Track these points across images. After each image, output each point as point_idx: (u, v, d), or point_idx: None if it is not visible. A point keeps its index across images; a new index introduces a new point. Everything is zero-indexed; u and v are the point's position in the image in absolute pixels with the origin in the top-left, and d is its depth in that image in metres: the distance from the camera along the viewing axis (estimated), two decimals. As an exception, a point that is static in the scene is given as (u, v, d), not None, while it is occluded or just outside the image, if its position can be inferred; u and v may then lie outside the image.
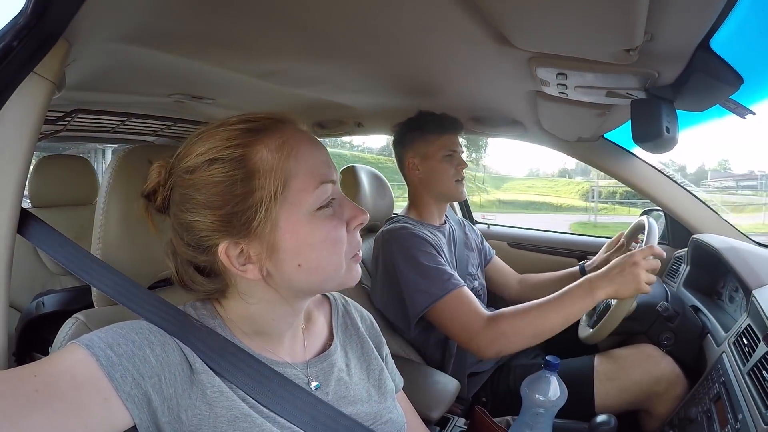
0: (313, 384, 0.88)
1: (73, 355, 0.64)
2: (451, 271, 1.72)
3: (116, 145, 4.45)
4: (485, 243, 2.32)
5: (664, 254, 1.55)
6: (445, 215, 2.10)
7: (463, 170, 1.97)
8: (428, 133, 1.95)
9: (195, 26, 1.21)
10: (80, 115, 2.44)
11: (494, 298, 2.38)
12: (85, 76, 1.59)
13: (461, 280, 1.70)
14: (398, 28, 1.17)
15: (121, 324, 0.72)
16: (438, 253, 1.77)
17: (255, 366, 0.80)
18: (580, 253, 2.66)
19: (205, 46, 1.37)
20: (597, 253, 2.08)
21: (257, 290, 0.81)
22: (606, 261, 1.88)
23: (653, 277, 1.47)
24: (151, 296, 0.81)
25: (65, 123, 2.61)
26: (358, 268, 0.85)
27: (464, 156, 1.99)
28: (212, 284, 0.82)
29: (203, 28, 1.23)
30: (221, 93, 2.06)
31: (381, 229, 1.93)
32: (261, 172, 0.75)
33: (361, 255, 0.85)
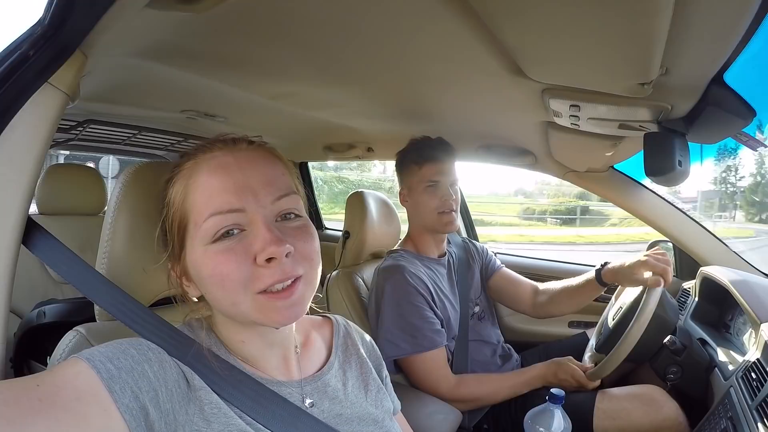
0: (308, 401, 0.88)
1: (75, 368, 0.65)
2: (436, 327, 1.76)
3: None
4: (490, 256, 2.27)
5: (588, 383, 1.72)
6: (448, 241, 2.09)
7: (452, 200, 1.89)
8: (410, 164, 1.93)
9: (210, 46, 1.23)
10: (92, 126, 2.47)
11: (501, 325, 2.37)
12: (99, 88, 1.61)
13: (440, 340, 1.75)
14: (413, 56, 1.19)
15: (120, 340, 0.73)
16: (430, 302, 1.78)
17: (250, 385, 0.80)
18: None
19: (219, 66, 1.39)
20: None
21: (214, 310, 0.86)
22: (630, 273, 1.66)
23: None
24: (152, 316, 0.83)
25: (77, 132, 2.64)
26: (281, 309, 0.77)
27: (457, 185, 1.94)
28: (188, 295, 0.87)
29: (218, 48, 1.24)
30: (234, 112, 2.07)
31: (380, 264, 1.93)
32: (171, 204, 0.81)
33: (286, 294, 0.77)
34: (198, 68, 1.41)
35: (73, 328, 0.92)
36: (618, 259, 1.77)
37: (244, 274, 0.75)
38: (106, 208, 1.03)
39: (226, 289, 0.76)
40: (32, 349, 1.72)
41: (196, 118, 2.16)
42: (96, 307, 0.96)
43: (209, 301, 0.82)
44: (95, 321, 0.97)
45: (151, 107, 2.07)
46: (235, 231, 0.76)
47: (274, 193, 0.80)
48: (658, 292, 1.54)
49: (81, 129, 2.54)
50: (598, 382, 1.71)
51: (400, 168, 1.99)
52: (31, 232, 0.85)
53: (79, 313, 1.63)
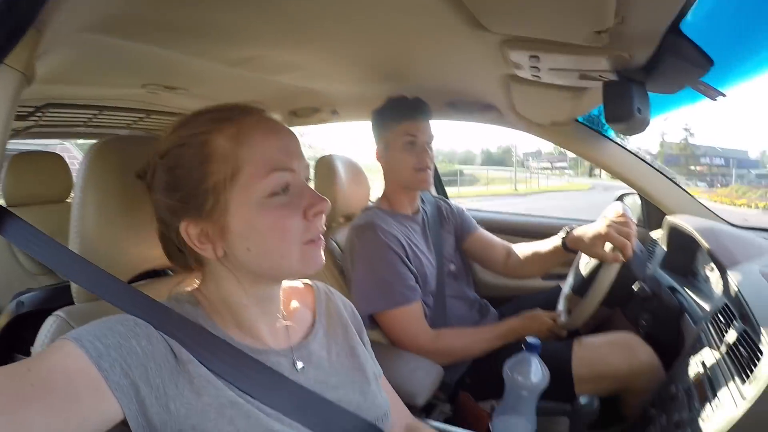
0: (300, 365, 0.90)
1: (63, 349, 0.66)
2: (410, 283, 1.78)
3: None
4: (465, 216, 2.26)
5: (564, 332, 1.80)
6: (421, 199, 2.10)
7: (428, 158, 1.90)
8: (388, 120, 1.94)
9: (167, 14, 1.20)
10: (51, 110, 2.41)
11: (479, 281, 2.43)
12: (56, 68, 1.57)
13: (413, 295, 1.77)
14: (370, 11, 1.17)
15: (107, 318, 0.74)
16: (403, 258, 1.79)
17: (234, 354, 0.81)
18: (553, 235, 2.64)
19: (177, 35, 1.36)
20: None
21: (220, 271, 0.86)
22: (590, 241, 1.68)
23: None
24: (131, 290, 0.83)
25: (36, 118, 2.57)
26: (318, 255, 0.86)
27: (433, 142, 1.95)
28: (186, 260, 0.87)
29: (175, 16, 1.22)
30: (195, 82, 2.04)
31: (353, 221, 1.93)
32: (215, 159, 0.80)
33: (321, 242, 0.87)
34: (156, 39, 1.38)
35: (53, 313, 0.91)
36: (582, 227, 1.77)
37: (300, 227, 0.82)
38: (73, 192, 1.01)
39: (285, 240, 0.82)
40: (15, 341, 1.71)
41: (157, 92, 2.13)
42: (74, 289, 0.95)
43: (247, 257, 0.83)
44: (74, 304, 0.96)
45: (110, 84, 2.03)
46: (284, 190, 0.82)
47: (304, 161, 0.87)
48: (615, 267, 1.56)
49: (40, 115, 2.48)
50: (565, 332, 1.79)
51: (377, 124, 1.98)
52: (1, 218, 0.83)
53: (58, 298, 1.59)
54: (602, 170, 2.31)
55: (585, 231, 1.72)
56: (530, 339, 1.21)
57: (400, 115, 1.91)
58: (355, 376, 0.99)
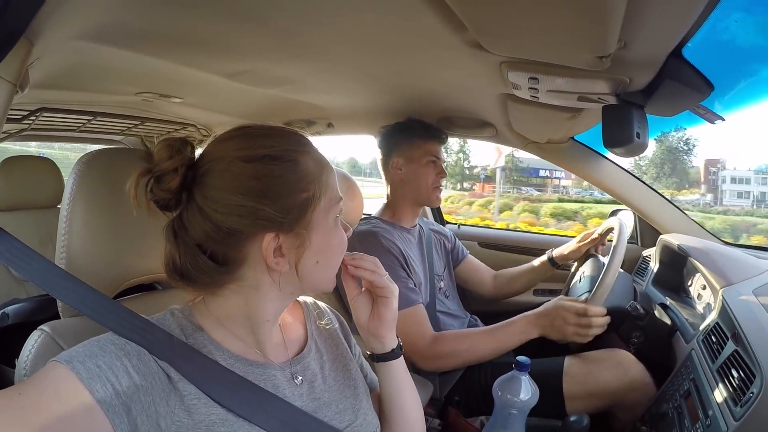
0: (299, 379, 0.91)
1: (54, 371, 0.66)
2: (411, 286, 1.80)
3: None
4: (458, 243, 2.38)
5: (602, 316, 1.66)
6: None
7: (441, 180, 2.06)
8: (416, 138, 2.04)
9: (162, 25, 1.19)
10: (45, 114, 2.40)
11: (470, 296, 2.42)
12: (50, 74, 1.56)
13: (417, 297, 1.79)
14: (370, 30, 1.17)
15: (97, 338, 0.73)
16: (403, 264, 1.83)
17: (223, 373, 0.80)
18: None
19: (172, 45, 1.35)
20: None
21: (263, 286, 0.85)
22: (577, 251, 2.09)
23: (586, 331, 1.65)
24: (118, 307, 0.81)
25: (30, 122, 2.56)
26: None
27: (444, 166, 2.07)
28: (219, 273, 0.82)
29: (170, 27, 1.21)
30: (190, 92, 2.04)
31: (354, 229, 1.92)
32: (309, 178, 0.84)
33: None
34: (151, 49, 1.38)
35: (38, 328, 0.89)
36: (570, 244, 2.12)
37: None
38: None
39: (340, 255, 0.92)
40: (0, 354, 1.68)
41: (152, 99, 2.11)
42: (59, 303, 0.94)
43: (312, 270, 0.86)
44: (60, 318, 0.95)
45: (104, 91, 2.02)
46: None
47: None
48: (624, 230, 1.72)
49: (34, 118, 2.46)
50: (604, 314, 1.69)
51: (400, 139, 2.07)
52: None
53: (43, 310, 1.58)
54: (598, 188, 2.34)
55: (566, 246, 2.11)
56: (520, 358, 1.22)
57: (429, 134, 2.05)
58: (348, 392, 0.98)
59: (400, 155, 2.05)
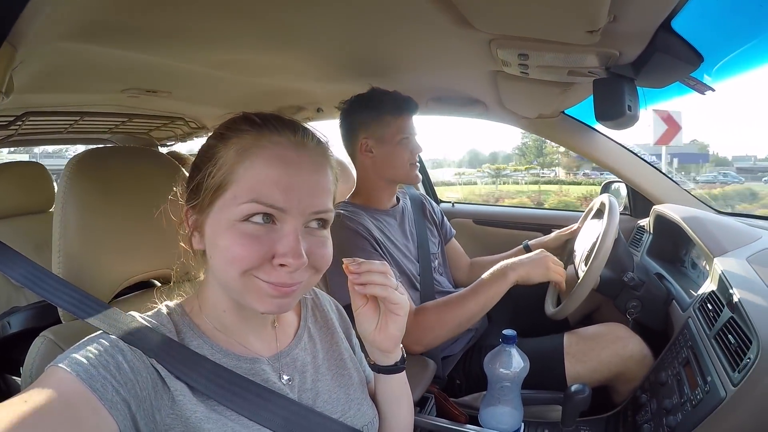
0: (285, 377, 0.89)
1: (55, 376, 0.66)
2: None
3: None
4: (446, 222, 2.31)
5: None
6: (398, 194, 2.07)
7: (417, 154, 1.91)
8: (385, 114, 1.84)
9: (146, 20, 1.18)
10: (32, 118, 2.38)
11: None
12: (34, 78, 1.54)
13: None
14: (356, 12, 1.16)
15: (90, 337, 0.74)
16: (373, 245, 1.73)
17: (213, 369, 0.80)
18: (544, 226, 2.68)
19: (156, 39, 1.33)
20: (561, 226, 2.16)
21: (208, 274, 0.86)
22: (556, 240, 2.10)
23: (561, 270, 1.68)
24: (112, 311, 0.82)
25: (16, 127, 2.54)
26: (271, 301, 0.79)
27: (417, 138, 1.92)
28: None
29: (154, 22, 1.20)
30: (177, 85, 2.02)
31: None
32: (216, 163, 0.78)
33: (284, 290, 0.78)
34: (135, 44, 1.36)
35: (40, 334, 0.90)
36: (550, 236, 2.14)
37: (255, 263, 0.76)
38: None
39: (231, 267, 0.76)
40: (4, 362, 1.67)
41: (139, 95, 2.09)
42: (60, 309, 0.94)
43: (210, 262, 0.81)
44: (61, 323, 0.95)
45: (90, 91, 2.00)
46: (266, 220, 0.77)
47: (317, 206, 0.81)
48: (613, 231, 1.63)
49: (20, 123, 2.44)
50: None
51: (363, 117, 1.88)
52: None
53: (45, 317, 1.57)
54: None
55: (546, 236, 2.16)
56: (506, 331, 1.25)
57: (400, 109, 1.85)
58: (341, 382, 0.98)
59: (369, 135, 1.86)
